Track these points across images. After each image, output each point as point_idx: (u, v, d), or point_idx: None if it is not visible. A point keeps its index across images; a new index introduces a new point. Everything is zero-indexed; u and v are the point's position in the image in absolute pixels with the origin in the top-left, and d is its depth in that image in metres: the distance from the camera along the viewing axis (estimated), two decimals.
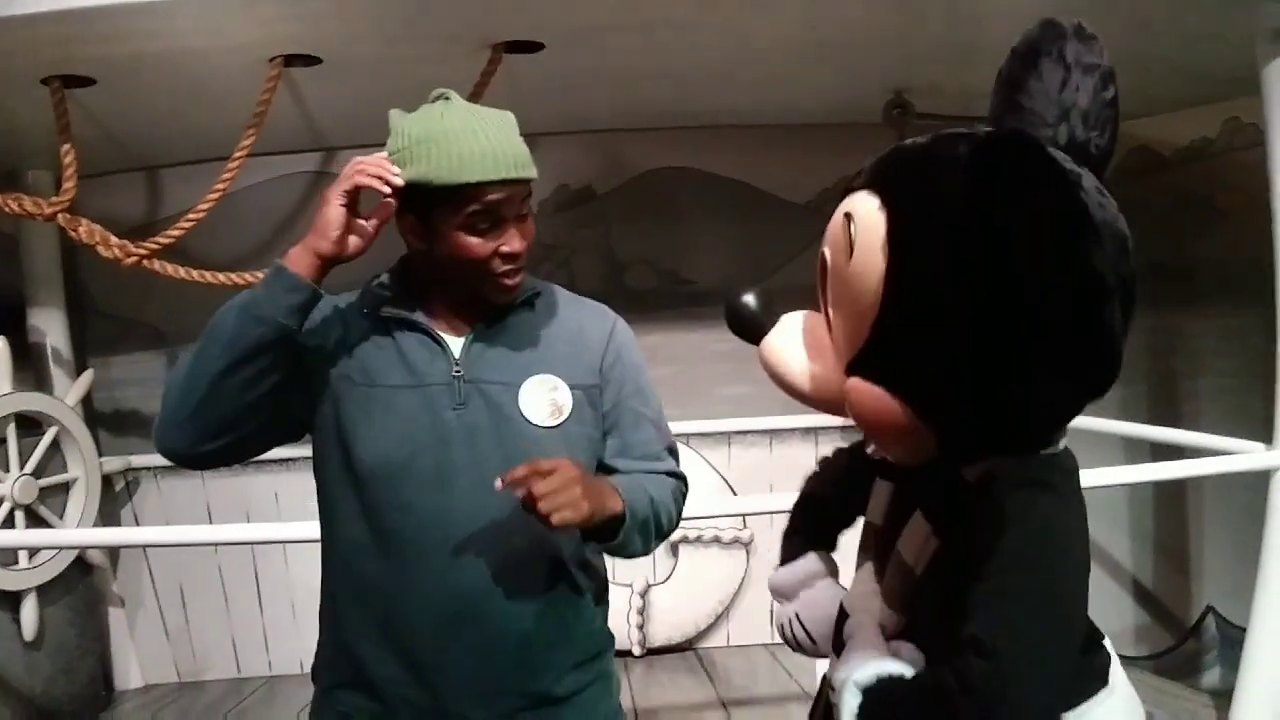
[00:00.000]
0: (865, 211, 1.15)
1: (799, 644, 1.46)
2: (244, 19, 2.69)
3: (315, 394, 1.75)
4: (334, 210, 1.63)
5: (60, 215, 3.17)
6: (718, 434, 4.50)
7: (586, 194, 4.58)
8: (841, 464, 1.58)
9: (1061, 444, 1.22)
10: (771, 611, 4.42)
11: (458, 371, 1.74)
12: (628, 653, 4.37)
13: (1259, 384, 3.29)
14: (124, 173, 4.28)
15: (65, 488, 4.03)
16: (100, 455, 4.17)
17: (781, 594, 1.49)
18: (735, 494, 4.46)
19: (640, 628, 4.36)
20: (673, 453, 1.94)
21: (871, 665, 1.19)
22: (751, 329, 1.32)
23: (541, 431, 1.74)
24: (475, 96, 3.02)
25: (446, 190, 1.65)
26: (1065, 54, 1.19)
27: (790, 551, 1.52)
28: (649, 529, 1.76)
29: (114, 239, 3.18)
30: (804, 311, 1.29)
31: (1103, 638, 1.31)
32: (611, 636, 1.92)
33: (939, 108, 3.82)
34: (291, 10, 2.67)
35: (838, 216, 1.20)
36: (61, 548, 3.93)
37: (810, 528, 1.54)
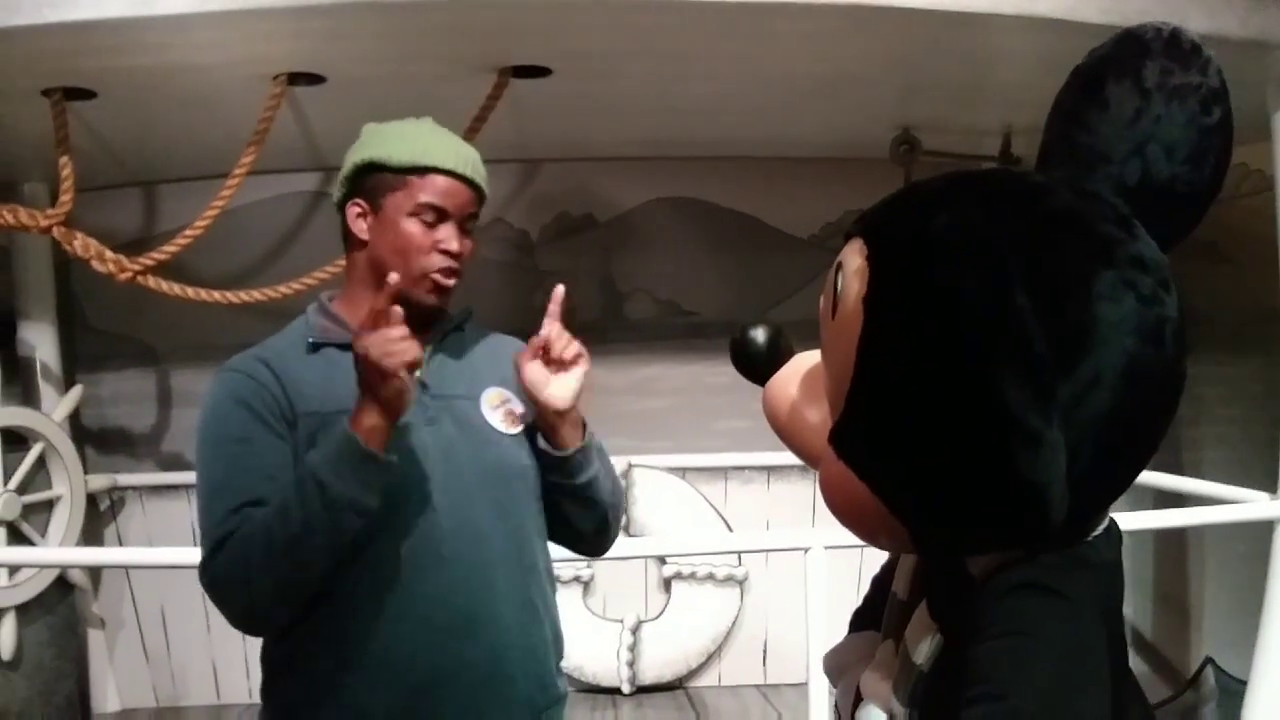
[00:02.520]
0: (851, 263, 1.01)
1: None
2: (248, 36, 2.67)
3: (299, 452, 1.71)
4: (401, 383, 1.60)
5: (56, 228, 3.14)
6: (715, 469, 4.45)
7: (587, 221, 4.55)
8: None
9: (1098, 528, 1.03)
10: (765, 652, 4.39)
11: (425, 388, 1.75)
12: (617, 690, 4.30)
13: (1262, 432, 3.26)
14: (121, 187, 4.25)
15: (49, 505, 3.97)
16: (86, 473, 4.12)
17: (829, 674, 1.37)
18: (731, 530, 4.41)
19: (630, 665, 4.29)
20: None
21: None
22: (757, 368, 1.19)
23: (507, 439, 1.81)
24: (480, 120, 3.00)
25: (401, 175, 1.73)
26: (1144, 77, 1.00)
27: (850, 629, 1.36)
28: (610, 470, 1.88)
29: (109, 253, 3.15)
30: (815, 352, 1.14)
31: None
32: None
33: (946, 145, 3.81)
34: (297, 28, 2.65)
35: (831, 272, 1.06)
36: (42, 566, 3.86)
37: (876, 605, 1.32)
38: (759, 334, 1.20)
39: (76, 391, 4.16)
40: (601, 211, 4.54)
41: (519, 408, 1.83)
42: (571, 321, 1.79)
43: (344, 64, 2.89)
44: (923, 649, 1.04)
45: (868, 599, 1.33)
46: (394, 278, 1.63)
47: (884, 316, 0.95)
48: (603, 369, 4.50)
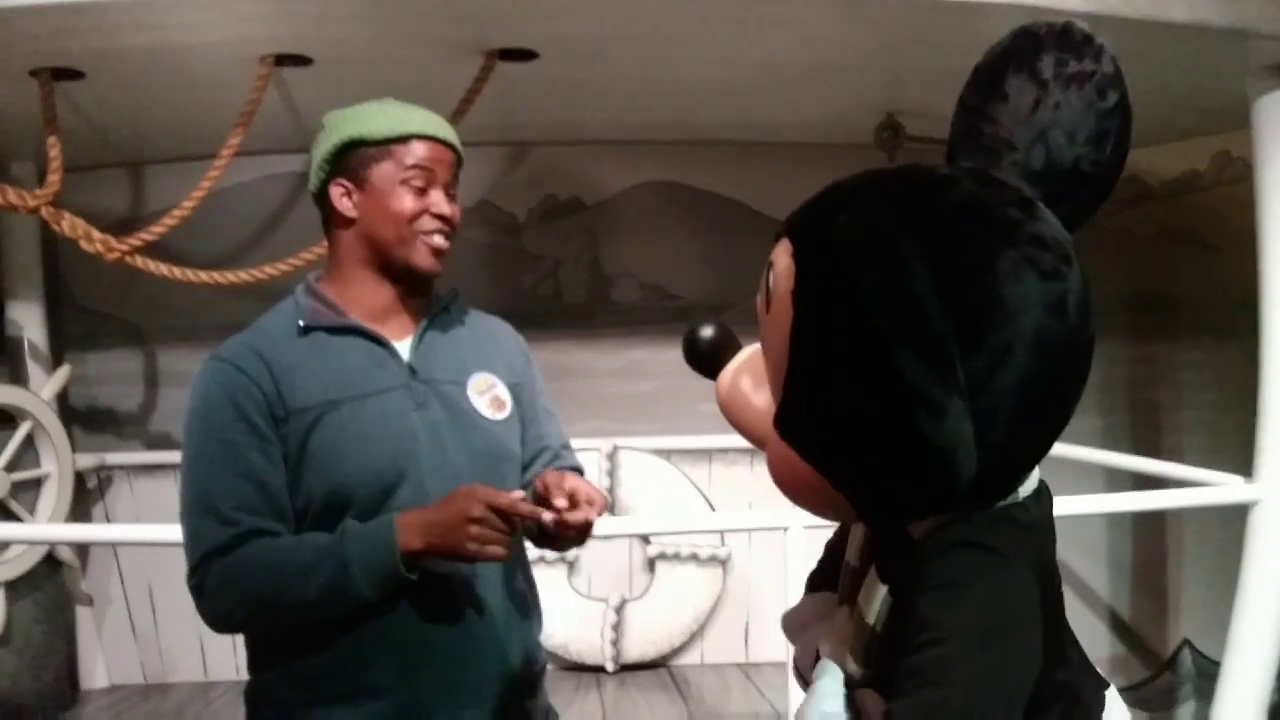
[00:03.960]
0: (780, 262, 1.06)
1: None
2: (236, 17, 2.67)
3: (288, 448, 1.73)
4: (471, 560, 1.64)
5: (44, 208, 3.14)
6: (699, 450, 4.48)
7: (575, 205, 4.57)
8: None
9: (1027, 489, 1.10)
10: (746, 631, 4.43)
11: (413, 373, 1.78)
12: (600, 668, 4.34)
13: (1240, 418, 3.30)
14: (109, 167, 4.25)
15: (37, 483, 3.98)
16: (74, 451, 4.13)
17: (786, 635, 1.44)
18: (714, 510, 4.44)
19: (614, 643, 4.33)
20: (569, 446, 2.05)
21: (813, 705, 1.14)
22: (708, 363, 1.24)
23: (494, 425, 1.83)
24: (467, 102, 3.01)
25: (384, 146, 1.76)
26: (1040, 68, 1.06)
27: (806, 591, 1.45)
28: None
29: (97, 234, 3.15)
30: (758, 344, 1.20)
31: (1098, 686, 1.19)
32: None
33: (930, 130, 3.82)
34: (284, 10, 2.66)
35: (769, 261, 1.11)
36: (31, 543, 3.88)
37: (828, 569, 1.42)
38: (706, 331, 1.25)
39: (64, 371, 4.16)
40: (589, 195, 4.56)
41: (504, 394, 1.87)
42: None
43: (331, 46, 2.89)
44: (874, 609, 1.11)
45: (821, 562, 1.42)
46: (548, 517, 1.65)
47: (807, 308, 1.02)
48: (590, 352, 4.59)
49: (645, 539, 4.38)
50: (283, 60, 2.94)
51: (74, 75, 2.99)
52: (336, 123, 1.81)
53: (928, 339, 0.95)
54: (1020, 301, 0.96)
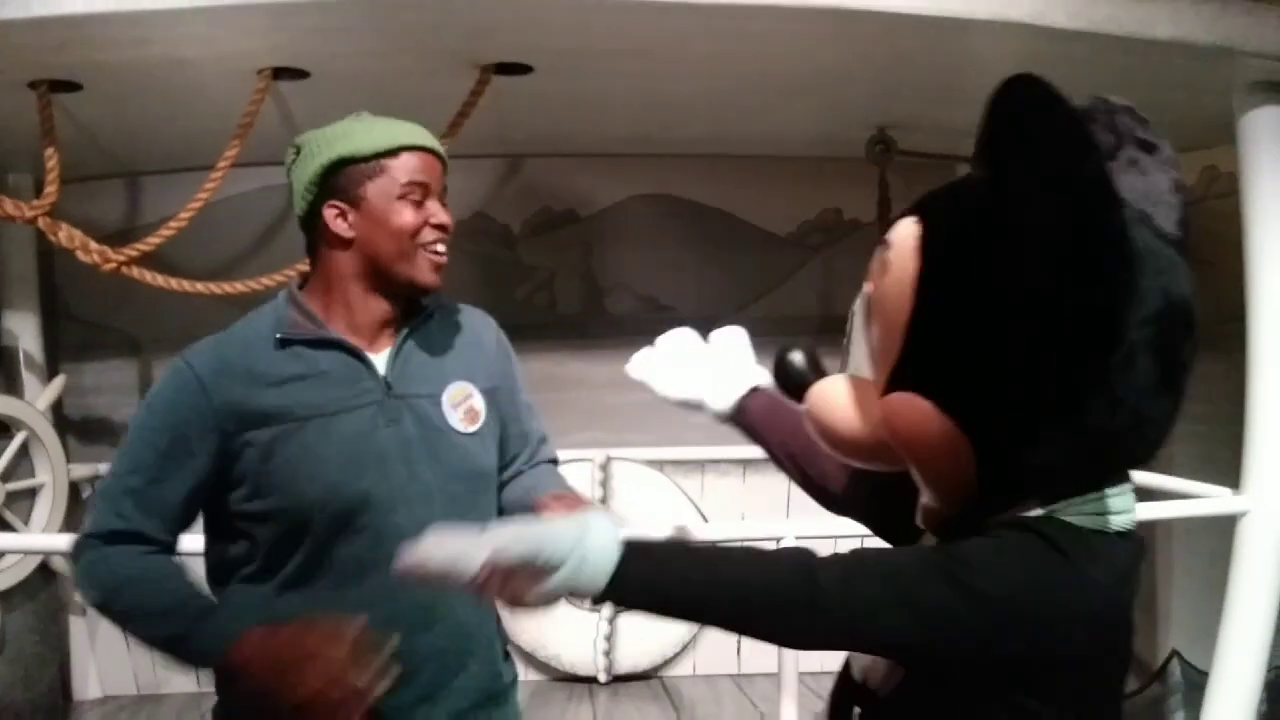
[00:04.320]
0: (901, 232, 1.13)
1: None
2: (234, 30, 2.69)
3: (234, 456, 1.72)
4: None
5: (41, 219, 3.15)
6: (691, 461, 4.50)
7: (569, 216, 4.60)
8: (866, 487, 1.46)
9: (1121, 522, 1.12)
10: (738, 642, 4.43)
11: (389, 388, 1.76)
12: (593, 679, 4.35)
13: (1230, 430, 3.32)
14: (106, 178, 4.27)
15: (32, 493, 3.98)
16: (69, 462, 4.13)
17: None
18: (707, 521, 4.45)
19: (607, 654, 4.34)
20: (546, 438, 2.05)
21: None
22: (798, 384, 1.35)
23: (465, 438, 1.82)
24: (463, 115, 3.03)
25: (375, 161, 1.73)
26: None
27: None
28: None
29: (93, 244, 3.16)
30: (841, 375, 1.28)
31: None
32: None
33: (921, 145, 3.86)
34: (281, 23, 2.67)
35: (878, 252, 1.18)
36: (25, 553, 3.88)
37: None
38: (798, 356, 1.42)
39: (59, 381, 4.17)
40: (583, 207, 4.59)
41: (479, 403, 1.84)
42: None
43: (328, 59, 2.91)
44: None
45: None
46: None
47: (949, 242, 1.09)
48: (584, 363, 4.61)
49: None
50: (280, 73, 2.95)
51: (72, 87, 3.01)
52: (319, 143, 1.77)
53: (1105, 281, 0.99)
54: (1159, 263, 1.06)
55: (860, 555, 1.13)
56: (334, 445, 1.71)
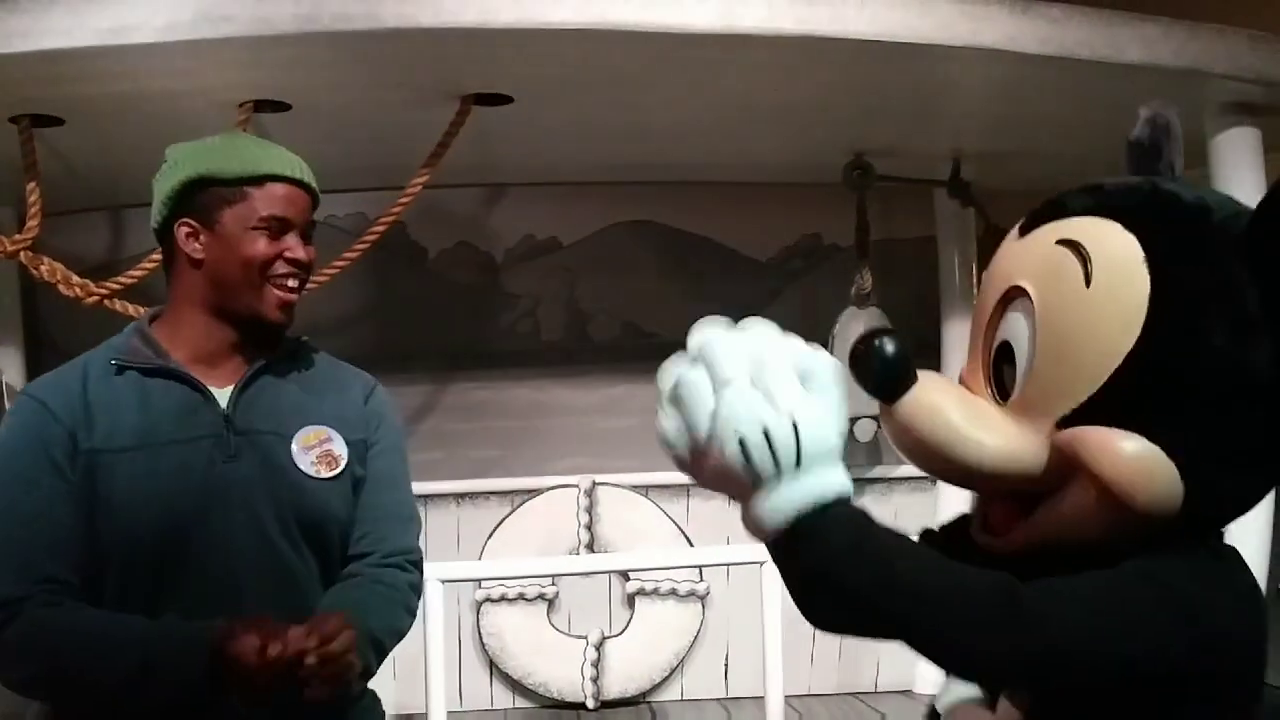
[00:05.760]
0: (1101, 234, 1.03)
1: None
2: (214, 65, 2.71)
3: (87, 480, 1.64)
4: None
5: (23, 253, 3.15)
6: (676, 486, 4.48)
7: (552, 245, 4.62)
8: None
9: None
10: (726, 666, 4.42)
11: (228, 423, 1.68)
12: (581, 705, 4.33)
13: None
14: (88, 211, 4.26)
15: None
16: None
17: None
18: (693, 546, 4.46)
19: (594, 680, 4.33)
20: (415, 531, 1.88)
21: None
22: (898, 381, 1.07)
23: (317, 484, 1.71)
24: (444, 146, 3.05)
25: (237, 186, 1.65)
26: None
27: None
28: (381, 622, 1.72)
29: (75, 278, 3.16)
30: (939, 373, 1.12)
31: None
32: None
33: (898, 170, 3.90)
34: (262, 56, 2.69)
35: (1039, 250, 1.07)
36: None
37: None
38: (890, 345, 1.07)
39: None
40: (565, 235, 4.61)
41: (339, 450, 1.74)
42: None
43: (308, 92, 2.93)
44: None
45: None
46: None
47: (1191, 270, 1.02)
48: (568, 389, 4.62)
49: (624, 575, 4.38)
50: (261, 105, 2.97)
51: (54, 122, 3.02)
52: (184, 156, 1.72)
53: None
54: None
55: (1049, 580, 1.01)
56: (162, 478, 1.64)
